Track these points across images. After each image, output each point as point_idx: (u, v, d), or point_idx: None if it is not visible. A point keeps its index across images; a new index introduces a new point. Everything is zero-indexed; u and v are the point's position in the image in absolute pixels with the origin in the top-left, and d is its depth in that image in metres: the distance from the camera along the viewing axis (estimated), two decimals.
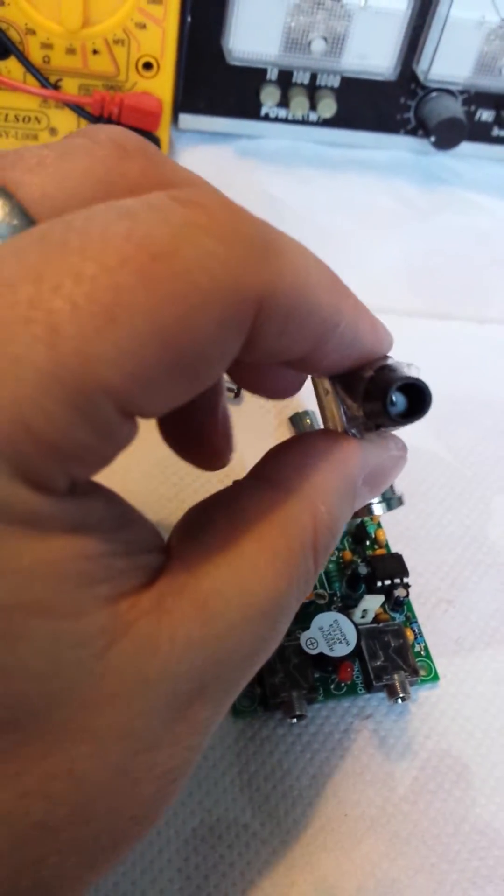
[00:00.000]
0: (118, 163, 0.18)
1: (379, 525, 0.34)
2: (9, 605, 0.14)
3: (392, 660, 0.30)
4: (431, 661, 0.31)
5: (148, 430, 0.27)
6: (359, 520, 0.33)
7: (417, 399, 0.19)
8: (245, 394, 0.38)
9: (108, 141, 0.19)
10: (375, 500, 0.24)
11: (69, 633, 0.15)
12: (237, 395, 0.37)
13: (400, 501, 0.25)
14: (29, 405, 0.14)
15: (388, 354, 0.21)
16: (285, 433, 0.37)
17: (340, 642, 0.29)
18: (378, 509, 0.24)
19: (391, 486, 0.25)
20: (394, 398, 0.19)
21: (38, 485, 0.15)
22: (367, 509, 0.25)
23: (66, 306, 0.14)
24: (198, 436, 0.25)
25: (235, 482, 0.21)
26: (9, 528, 0.14)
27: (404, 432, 0.38)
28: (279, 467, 0.20)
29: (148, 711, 0.16)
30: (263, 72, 0.45)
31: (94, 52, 0.42)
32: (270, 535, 0.18)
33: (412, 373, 0.20)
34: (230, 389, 0.37)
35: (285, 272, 0.17)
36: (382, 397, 0.19)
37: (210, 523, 0.19)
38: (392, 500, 0.25)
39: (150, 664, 0.16)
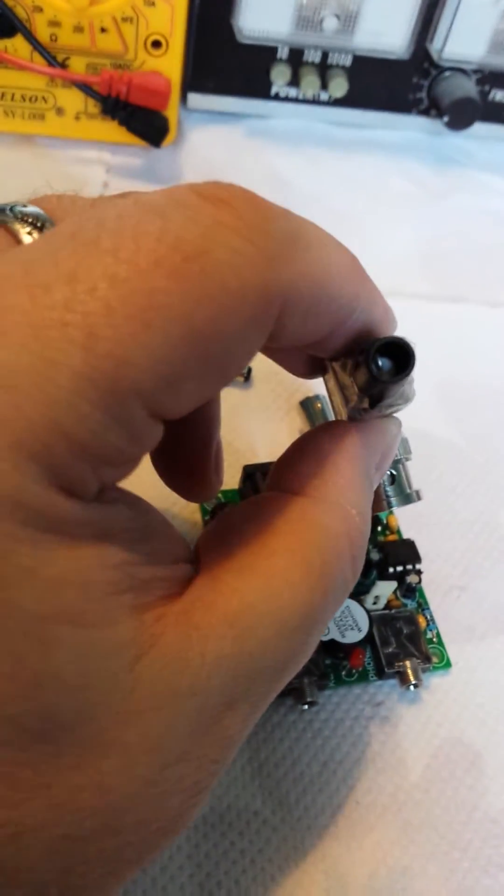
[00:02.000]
0: None
1: (391, 511, 0.34)
2: (41, 614, 0.14)
3: (404, 646, 0.29)
4: (444, 648, 0.30)
5: None
6: None
7: (403, 358, 0.19)
8: (254, 378, 0.37)
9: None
10: (393, 493, 0.24)
11: (100, 642, 0.15)
12: (246, 378, 0.37)
13: (418, 496, 0.25)
14: (64, 409, 0.14)
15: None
16: (295, 418, 0.36)
17: (352, 629, 0.29)
18: (396, 503, 0.24)
19: (408, 481, 0.25)
20: (380, 362, 0.19)
21: (69, 490, 0.15)
22: (387, 503, 0.24)
23: (102, 309, 0.14)
24: (189, 467, 0.25)
25: (260, 495, 0.21)
26: (42, 536, 0.14)
27: (416, 417, 0.37)
28: (301, 476, 0.20)
29: (177, 725, 0.16)
30: (274, 50, 0.45)
31: (102, 30, 0.42)
32: (303, 548, 0.18)
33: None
34: (239, 373, 0.36)
35: (310, 267, 0.17)
36: (367, 360, 0.19)
37: (238, 536, 0.18)
38: (410, 495, 0.25)
39: (180, 678, 0.16)
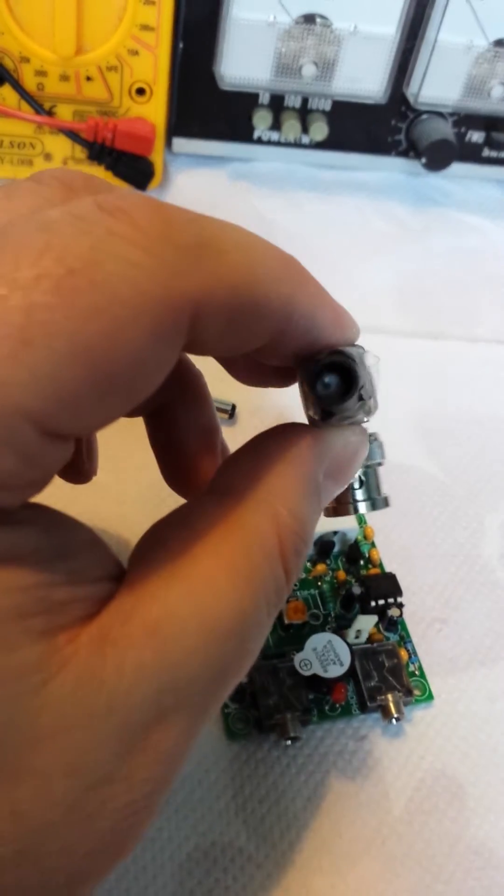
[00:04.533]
0: (64, 200, 0.18)
1: (373, 544, 0.34)
2: None
3: (386, 680, 0.30)
4: (426, 681, 0.31)
5: (141, 450, 0.27)
6: (353, 539, 0.33)
7: (349, 377, 0.18)
8: (239, 414, 0.38)
9: (52, 180, 0.19)
10: (360, 497, 0.23)
11: (1, 669, 0.15)
12: (231, 415, 0.37)
13: (386, 502, 0.24)
14: None
15: (357, 344, 0.21)
16: None
17: (334, 663, 0.29)
18: (363, 507, 0.24)
19: (378, 487, 0.24)
20: (326, 380, 0.19)
21: None
22: (353, 507, 0.24)
23: None
24: (196, 473, 0.25)
25: (191, 500, 0.20)
26: None
27: (397, 451, 0.38)
28: (232, 476, 0.20)
29: (97, 745, 0.15)
30: (255, 96, 0.46)
31: (88, 78, 0.43)
32: (228, 549, 0.18)
33: (367, 359, 0.19)
34: (223, 410, 0.37)
35: (226, 272, 0.16)
36: (310, 378, 0.18)
37: (161, 544, 0.18)
38: (377, 500, 0.24)
39: (94, 697, 0.15)
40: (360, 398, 0.19)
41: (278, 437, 0.20)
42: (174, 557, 0.18)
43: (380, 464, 0.24)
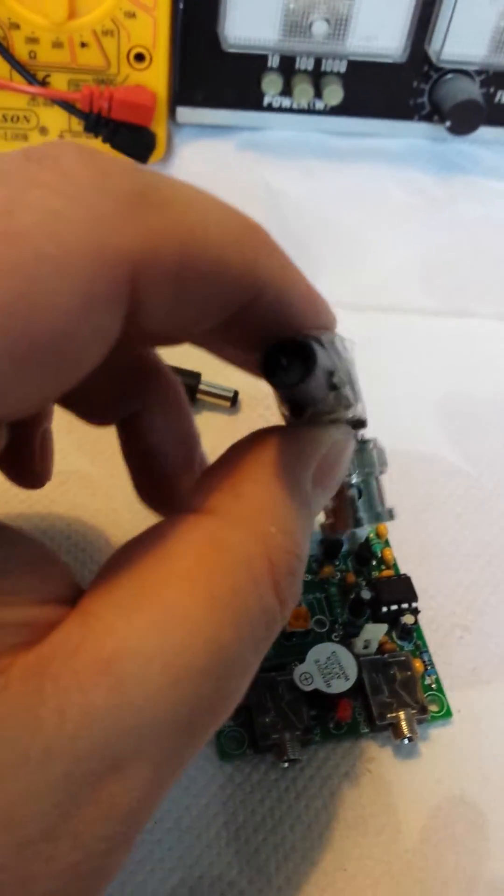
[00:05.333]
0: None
1: (386, 543, 0.31)
2: None
3: (398, 695, 0.27)
4: (443, 696, 0.28)
5: None
6: (364, 537, 0.30)
7: (306, 360, 0.16)
8: (241, 402, 0.35)
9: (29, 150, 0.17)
10: (361, 509, 0.21)
11: None
12: (233, 403, 0.35)
13: (390, 514, 0.22)
14: None
15: (336, 332, 0.18)
16: None
17: (339, 677, 0.26)
18: (364, 521, 0.22)
19: (380, 497, 0.22)
20: (284, 362, 0.16)
21: None
22: (353, 521, 0.22)
23: None
24: (172, 488, 0.23)
25: (165, 519, 0.18)
26: None
27: (415, 439, 0.35)
28: (210, 490, 0.17)
29: (34, 796, 0.13)
30: (264, 59, 0.43)
31: (83, 45, 0.40)
32: (206, 574, 0.15)
33: (339, 344, 0.17)
34: (223, 397, 0.34)
35: (169, 226, 0.14)
36: (264, 362, 0.16)
37: (127, 567, 0.16)
38: (381, 514, 0.22)
39: (30, 741, 0.13)
40: (334, 387, 0.17)
41: (257, 444, 0.18)
42: (141, 583, 0.15)
43: (381, 472, 0.22)
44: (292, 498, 0.17)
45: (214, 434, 0.34)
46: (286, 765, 0.25)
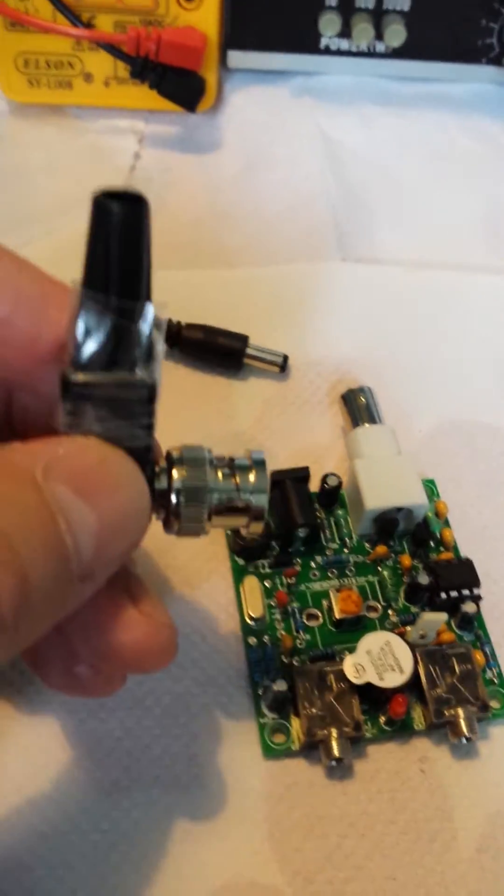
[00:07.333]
0: None
1: (446, 523, 0.29)
2: None
3: (456, 690, 0.25)
4: None
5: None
6: (422, 516, 0.28)
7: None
8: (291, 367, 0.33)
9: None
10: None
11: None
12: (282, 368, 0.32)
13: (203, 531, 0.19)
14: None
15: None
16: (337, 414, 0.32)
17: (393, 670, 0.24)
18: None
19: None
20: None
21: None
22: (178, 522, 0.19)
23: None
24: None
25: None
26: None
27: (475, 407, 0.32)
28: None
29: None
30: None
31: None
32: None
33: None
34: (273, 363, 0.32)
35: None
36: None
37: None
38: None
39: None
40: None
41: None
42: None
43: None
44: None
45: (263, 401, 0.32)
46: (333, 764, 0.24)
